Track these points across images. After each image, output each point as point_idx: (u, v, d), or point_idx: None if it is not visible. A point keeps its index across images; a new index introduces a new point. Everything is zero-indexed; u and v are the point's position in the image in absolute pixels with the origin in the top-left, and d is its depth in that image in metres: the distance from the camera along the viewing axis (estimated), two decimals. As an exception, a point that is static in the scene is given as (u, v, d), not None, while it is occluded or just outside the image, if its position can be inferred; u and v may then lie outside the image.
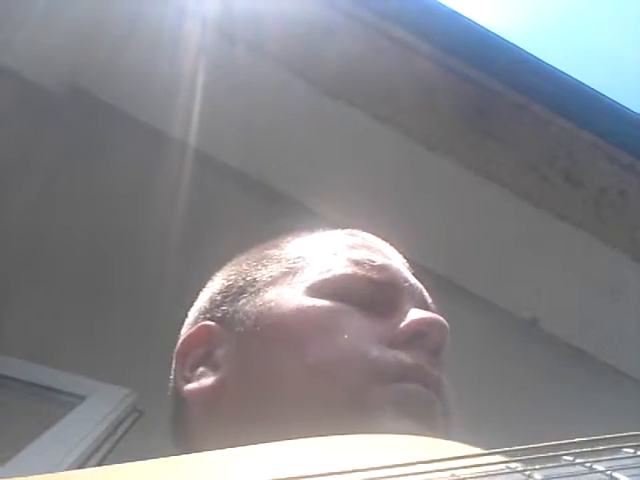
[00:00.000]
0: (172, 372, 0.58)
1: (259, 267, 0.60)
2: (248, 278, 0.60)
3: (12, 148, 1.60)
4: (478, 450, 0.32)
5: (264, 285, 0.58)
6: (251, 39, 1.56)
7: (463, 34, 1.54)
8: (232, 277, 0.62)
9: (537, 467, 0.29)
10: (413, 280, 0.61)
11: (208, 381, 0.54)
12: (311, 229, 0.67)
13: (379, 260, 0.59)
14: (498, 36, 1.57)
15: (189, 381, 0.55)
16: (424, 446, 0.36)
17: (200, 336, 0.58)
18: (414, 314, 0.54)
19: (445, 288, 1.67)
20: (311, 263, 0.58)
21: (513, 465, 0.29)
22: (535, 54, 1.59)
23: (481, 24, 1.56)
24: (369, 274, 0.56)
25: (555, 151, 1.61)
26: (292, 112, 1.63)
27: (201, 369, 0.56)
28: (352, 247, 0.60)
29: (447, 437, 0.49)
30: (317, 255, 0.59)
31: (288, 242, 0.64)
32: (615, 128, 1.59)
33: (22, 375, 1.61)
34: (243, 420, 0.51)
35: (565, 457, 0.29)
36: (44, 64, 1.58)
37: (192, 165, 1.63)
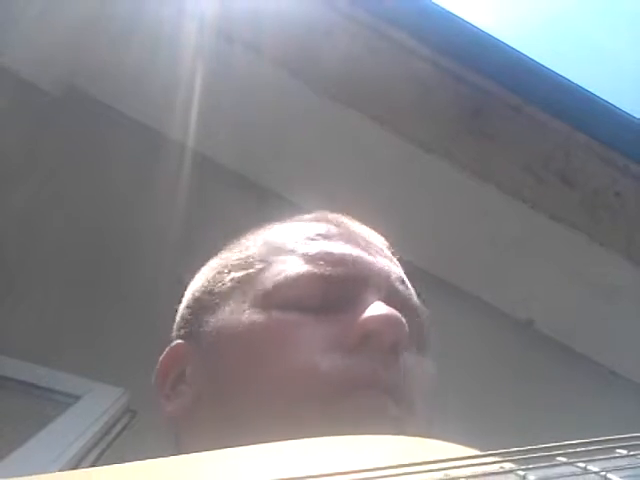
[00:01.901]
0: (157, 395, 0.58)
1: (219, 277, 0.59)
2: (209, 291, 0.59)
3: (10, 149, 1.60)
4: (472, 451, 0.32)
5: (221, 299, 0.56)
6: (249, 39, 1.56)
7: (459, 36, 1.54)
8: (198, 290, 0.61)
9: (531, 467, 0.29)
10: (379, 267, 0.56)
11: (185, 398, 0.54)
12: (279, 219, 0.64)
13: (337, 251, 0.55)
14: (494, 38, 1.57)
15: (170, 400, 0.56)
16: (417, 447, 0.36)
17: (173, 356, 0.58)
18: (369, 311, 0.50)
19: (441, 289, 1.68)
20: (266, 266, 0.56)
21: (507, 466, 0.29)
22: (530, 56, 1.59)
23: (477, 26, 1.57)
24: (324, 271, 0.53)
25: (550, 152, 1.61)
26: (289, 113, 1.63)
27: (179, 388, 0.56)
28: (311, 239, 0.57)
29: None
30: (274, 255, 0.57)
31: (250, 240, 0.61)
32: (610, 130, 1.59)
33: (17, 375, 1.60)
34: (216, 439, 0.50)
35: (559, 458, 0.29)
36: (41, 65, 1.58)
37: (189, 165, 1.63)
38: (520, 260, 1.75)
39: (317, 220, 0.62)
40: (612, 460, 0.29)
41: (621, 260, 1.68)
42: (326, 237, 0.57)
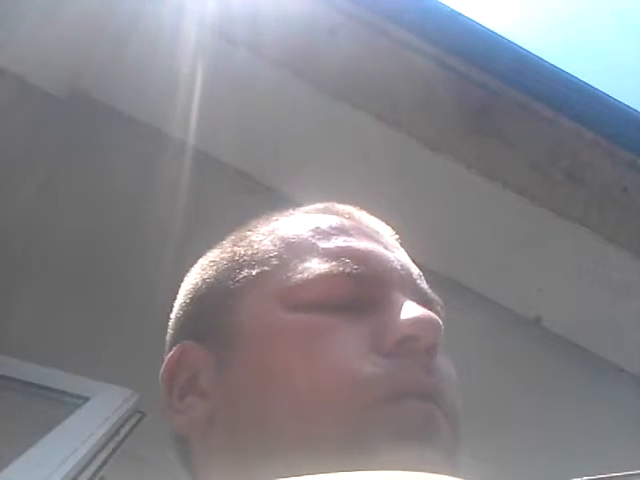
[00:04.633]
0: (163, 399, 0.54)
1: (228, 273, 0.55)
2: (218, 287, 0.55)
3: (12, 150, 1.60)
4: None
5: (237, 297, 0.53)
6: (250, 39, 1.56)
7: (464, 34, 1.54)
8: (204, 287, 0.56)
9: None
10: (402, 263, 0.54)
11: (197, 413, 0.51)
12: (283, 210, 0.61)
13: (359, 246, 0.52)
14: (499, 35, 1.57)
15: (179, 413, 0.52)
16: None
17: (181, 359, 0.53)
18: (404, 313, 0.48)
19: (448, 287, 1.67)
20: (283, 263, 0.52)
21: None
22: (536, 53, 1.58)
23: (482, 24, 1.56)
24: (348, 269, 0.50)
25: (557, 150, 1.60)
26: (292, 112, 1.63)
27: (189, 398, 0.52)
28: (328, 234, 0.53)
29: (455, 450, 0.47)
30: (290, 250, 0.53)
31: (259, 234, 0.57)
32: (617, 126, 1.58)
33: (25, 376, 1.61)
34: (236, 453, 0.47)
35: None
36: (43, 66, 1.59)
37: (191, 165, 1.63)
38: (527, 257, 1.75)
39: (326, 212, 0.58)
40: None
41: (629, 256, 1.68)
42: (343, 231, 0.54)
